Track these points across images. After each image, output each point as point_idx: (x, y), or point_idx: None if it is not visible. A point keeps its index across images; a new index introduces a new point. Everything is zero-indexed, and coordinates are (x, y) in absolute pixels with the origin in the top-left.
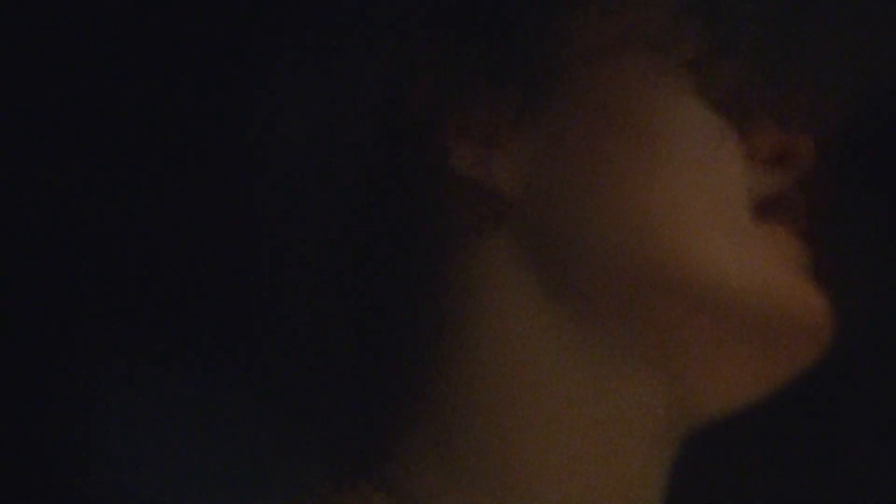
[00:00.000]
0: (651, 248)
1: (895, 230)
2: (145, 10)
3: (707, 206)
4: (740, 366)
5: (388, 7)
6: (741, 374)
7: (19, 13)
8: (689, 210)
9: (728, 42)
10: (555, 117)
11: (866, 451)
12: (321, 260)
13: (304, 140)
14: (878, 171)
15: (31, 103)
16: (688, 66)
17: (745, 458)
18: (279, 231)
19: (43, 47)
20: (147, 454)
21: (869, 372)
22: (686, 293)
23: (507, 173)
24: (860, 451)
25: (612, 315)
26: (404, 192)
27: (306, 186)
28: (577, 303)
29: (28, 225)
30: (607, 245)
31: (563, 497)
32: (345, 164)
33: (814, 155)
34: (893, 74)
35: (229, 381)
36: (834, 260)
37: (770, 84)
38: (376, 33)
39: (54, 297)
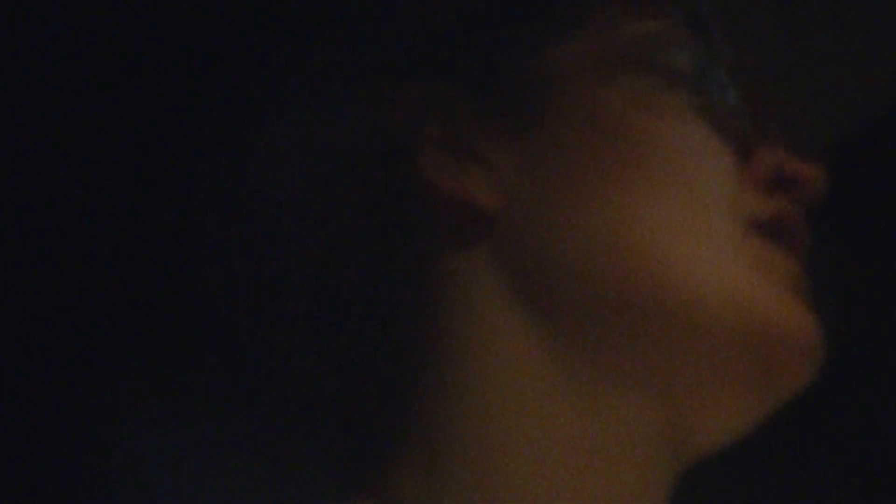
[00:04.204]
0: (631, 265)
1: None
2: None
3: (692, 227)
4: (733, 388)
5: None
6: (734, 397)
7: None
8: (672, 230)
9: (724, 61)
10: (541, 132)
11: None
12: (311, 282)
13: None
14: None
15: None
16: (681, 84)
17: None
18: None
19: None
20: (146, 460)
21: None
22: (668, 312)
23: (486, 187)
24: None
25: (598, 335)
26: (387, 211)
27: (295, 215)
28: (562, 322)
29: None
30: (588, 262)
31: None
32: (331, 188)
33: (823, 181)
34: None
35: (229, 393)
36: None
37: (772, 106)
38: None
39: (59, 302)
